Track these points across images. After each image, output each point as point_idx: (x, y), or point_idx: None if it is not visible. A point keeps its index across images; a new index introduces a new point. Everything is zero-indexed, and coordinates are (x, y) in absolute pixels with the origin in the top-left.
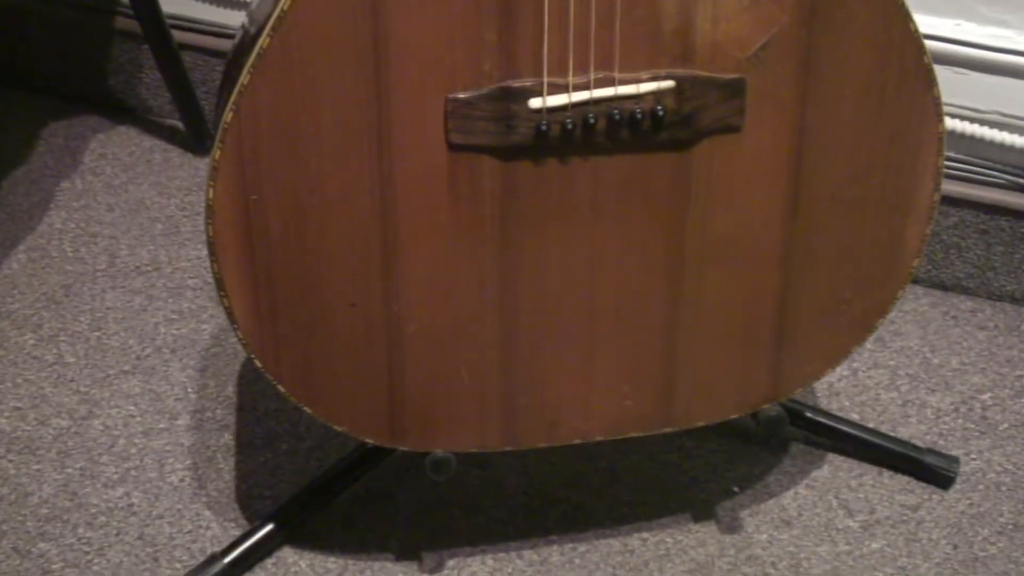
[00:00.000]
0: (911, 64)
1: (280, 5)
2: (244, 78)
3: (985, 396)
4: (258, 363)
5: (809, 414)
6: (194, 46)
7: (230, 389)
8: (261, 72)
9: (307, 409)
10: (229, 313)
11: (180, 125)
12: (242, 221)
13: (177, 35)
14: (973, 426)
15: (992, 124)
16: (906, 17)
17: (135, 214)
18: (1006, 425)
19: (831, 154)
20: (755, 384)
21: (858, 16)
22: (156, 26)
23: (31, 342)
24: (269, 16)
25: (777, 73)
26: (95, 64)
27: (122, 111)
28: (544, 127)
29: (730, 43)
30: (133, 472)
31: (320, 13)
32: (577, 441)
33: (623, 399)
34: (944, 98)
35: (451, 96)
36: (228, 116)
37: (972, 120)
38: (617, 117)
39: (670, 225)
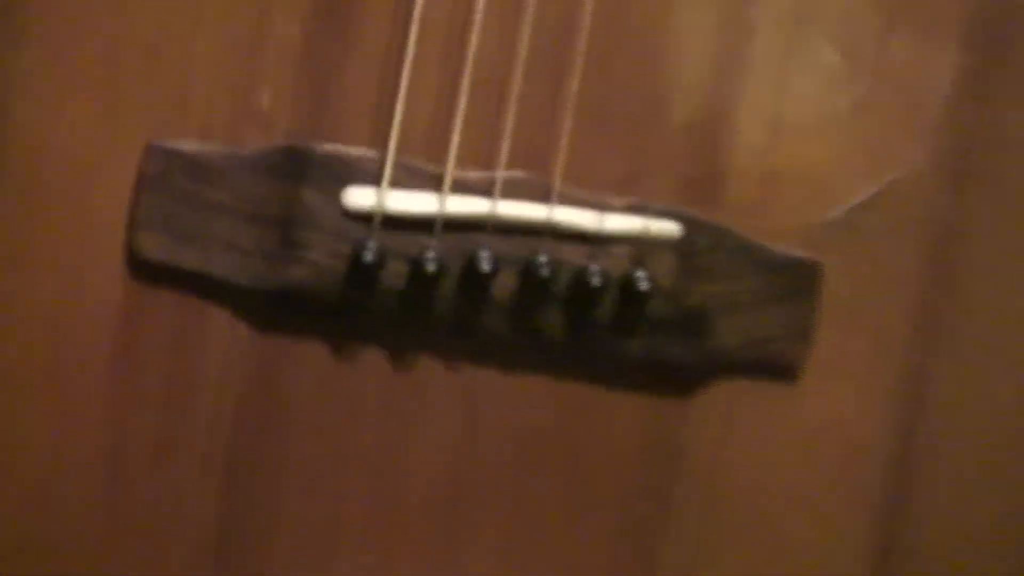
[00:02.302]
0: None
1: None
2: None
3: None
4: None
5: None
6: None
7: None
8: None
9: None
10: None
11: None
12: None
13: None
14: None
15: None
16: None
17: None
18: None
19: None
20: None
21: None
22: None
23: None
24: None
25: (885, 264)
26: None
27: None
28: (369, 257)
29: (801, 183)
30: None
31: None
32: None
33: None
34: None
35: (156, 144)
36: None
37: None
38: (545, 275)
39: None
